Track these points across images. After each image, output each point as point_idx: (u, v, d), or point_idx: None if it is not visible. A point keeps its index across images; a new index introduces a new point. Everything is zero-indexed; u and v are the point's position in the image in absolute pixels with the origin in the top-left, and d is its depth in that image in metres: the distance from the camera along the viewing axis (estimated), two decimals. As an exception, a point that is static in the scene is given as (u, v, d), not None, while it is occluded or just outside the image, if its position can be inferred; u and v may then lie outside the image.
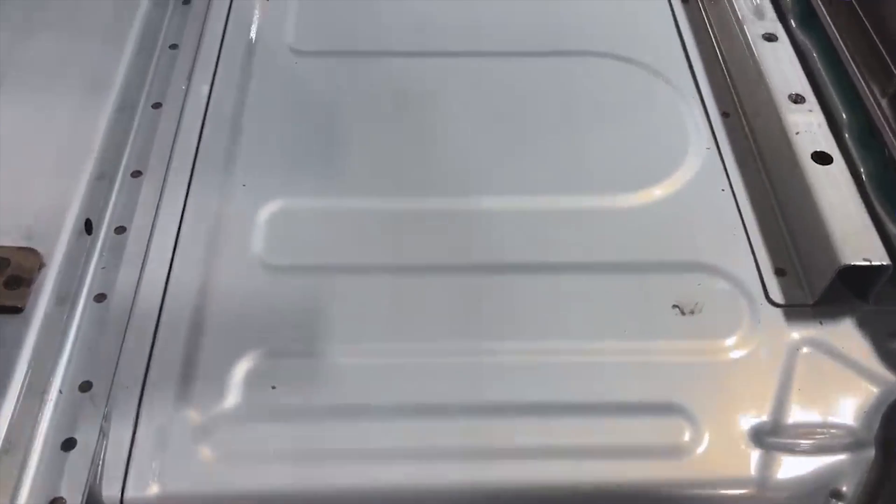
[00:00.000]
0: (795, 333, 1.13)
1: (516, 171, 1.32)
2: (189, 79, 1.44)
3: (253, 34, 1.55)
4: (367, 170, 1.32)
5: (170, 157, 1.32)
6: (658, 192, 1.29)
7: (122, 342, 1.08)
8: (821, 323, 1.14)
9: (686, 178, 1.31)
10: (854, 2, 1.41)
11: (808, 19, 1.48)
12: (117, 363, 1.06)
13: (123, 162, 1.29)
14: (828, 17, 1.42)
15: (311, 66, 1.49)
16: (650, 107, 1.44)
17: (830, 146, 1.24)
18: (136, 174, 1.29)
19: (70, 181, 1.21)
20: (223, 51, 1.50)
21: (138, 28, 1.47)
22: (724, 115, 1.40)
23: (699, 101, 1.43)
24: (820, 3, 1.45)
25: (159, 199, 1.26)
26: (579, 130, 1.39)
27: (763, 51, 1.38)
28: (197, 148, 1.34)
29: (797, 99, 1.30)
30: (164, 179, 1.28)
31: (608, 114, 1.42)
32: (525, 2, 1.62)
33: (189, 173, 1.30)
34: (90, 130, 1.29)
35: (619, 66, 1.50)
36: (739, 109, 1.40)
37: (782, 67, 1.35)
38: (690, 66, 1.49)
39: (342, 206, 1.27)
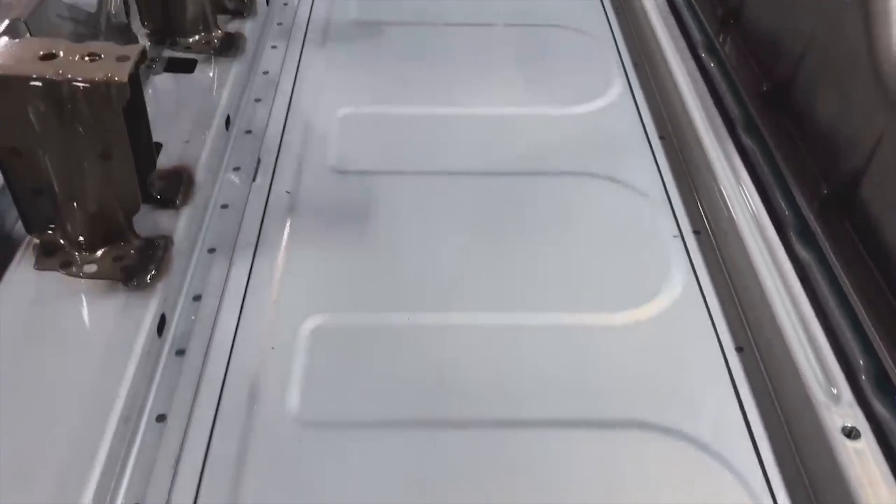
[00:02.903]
0: None
1: None
2: (175, 467, 1.25)
3: (253, 398, 1.36)
4: None
5: None
6: None
7: None
8: None
9: None
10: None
11: (887, 386, 1.29)
12: None
13: None
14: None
15: (318, 445, 1.30)
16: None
17: None
18: None
19: None
20: (217, 423, 1.32)
21: (123, 397, 1.25)
22: (803, 523, 1.19)
23: (770, 500, 1.22)
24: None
25: None
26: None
27: (845, 455, 1.17)
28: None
29: (897, 535, 1.08)
30: None
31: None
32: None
33: None
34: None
35: (666, 441, 1.30)
36: (823, 522, 1.19)
37: (872, 483, 1.14)
38: (757, 451, 1.28)
39: None
